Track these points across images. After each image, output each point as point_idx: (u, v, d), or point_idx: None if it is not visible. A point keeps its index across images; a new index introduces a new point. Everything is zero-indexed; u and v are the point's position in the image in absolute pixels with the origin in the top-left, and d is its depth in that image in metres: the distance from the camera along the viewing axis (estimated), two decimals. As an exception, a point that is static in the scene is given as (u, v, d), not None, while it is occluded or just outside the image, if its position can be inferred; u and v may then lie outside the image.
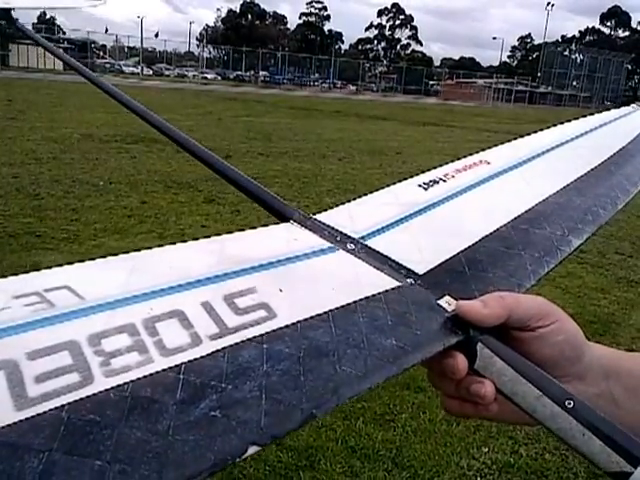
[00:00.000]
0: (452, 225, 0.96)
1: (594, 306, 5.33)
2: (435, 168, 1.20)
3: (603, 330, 4.82)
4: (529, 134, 1.44)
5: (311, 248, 0.81)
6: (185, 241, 0.80)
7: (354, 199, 1.02)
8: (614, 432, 0.57)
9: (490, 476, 2.96)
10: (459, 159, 1.22)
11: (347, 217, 0.93)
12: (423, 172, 1.16)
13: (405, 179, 1.11)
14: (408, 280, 0.77)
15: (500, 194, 1.09)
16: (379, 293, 0.72)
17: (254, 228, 0.87)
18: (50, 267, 0.66)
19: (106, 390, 0.49)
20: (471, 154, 1.26)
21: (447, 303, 0.72)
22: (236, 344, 0.58)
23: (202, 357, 0.55)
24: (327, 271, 0.76)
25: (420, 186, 1.07)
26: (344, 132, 19.35)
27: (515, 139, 1.40)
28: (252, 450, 0.49)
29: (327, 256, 0.80)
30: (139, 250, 0.75)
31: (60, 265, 0.66)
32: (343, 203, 1.00)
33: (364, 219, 0.93)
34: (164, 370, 0.53)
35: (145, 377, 0.51)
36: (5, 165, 9.43)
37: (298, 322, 0.63)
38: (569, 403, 0.60)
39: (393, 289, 0.74)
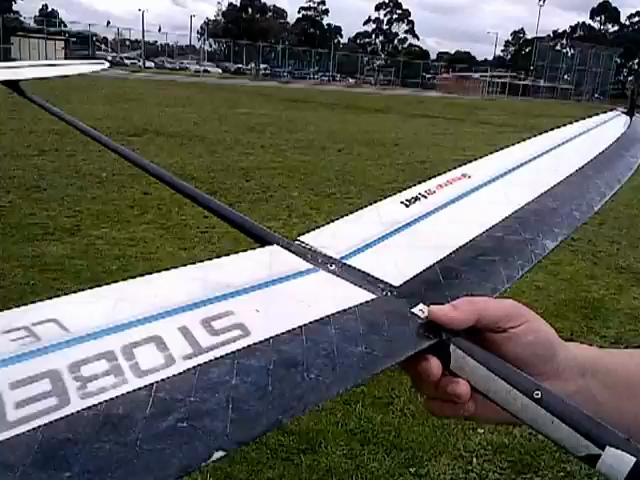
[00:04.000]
0: (430, 239, 0.98)
1: (585, 292, 5.43)
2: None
3: (593, 315, 4.91)
4: (521, 140, 1.50)
5: (293, 270, 0.83)
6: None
7: (349, 217, 1.07)
8: (581, 418, 0.60)
9: (486, 456, 3.04)
10: (449, 171, 1.27)
11: (331, 237, 0.96)
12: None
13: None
14: (384, 292, 0.79)
15: (479, 207, 1.12)
16: (354, 306, 0.74)
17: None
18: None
19: (80, 410, 0.52)
20: (466, 161, 1.31)
21: (420, 310, 0.73)
22: (208, 362, 0.60)
23: (174, 375, 0.58)
24: (305, 290, 0.78)
25: (402, 203, 1.11)
26: (343, 124, 19.37)
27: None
28: (217, 455, 0.51)
29: (308, 277, 0.82)
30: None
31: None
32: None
33: (347, 239, 0.95)
34: (137, 389, 0.55)
35: (118, 397, 0.54)
36: (8, 157, 9.47)
37: (270, 337, 0.65)
38: (537, 394, 0.62)
39: (368, 302, 0.76)
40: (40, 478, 0.46)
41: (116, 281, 0.74)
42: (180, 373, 0.58)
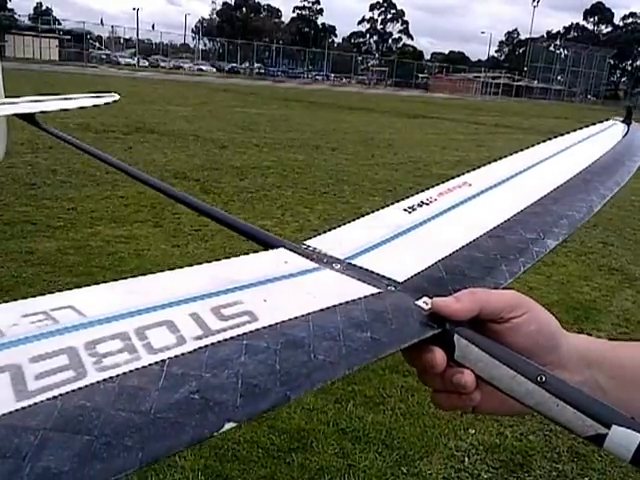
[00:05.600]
0: (433, 240, 1.01)
1: (577, 293, 5.45)
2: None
3: (585, 316, 4.93)
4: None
5: (299, 269, 0.85)
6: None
7: (353, 223, 1.09)
8: (585, 399, 0.62)
9: (477, 456, 3.05)
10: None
11: (336, 240, 0.98)
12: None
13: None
14: (388, 287, 0.81)
15: (480, 211, 1.14)
16: (359, 298, 0.76)
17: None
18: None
19: (97, 382, 0.55)
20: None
21: (424, 303, 0.75)
22: (217, 342, 0.63)
23: (185, 353, 0.60)
24: (312, 285, 0.81)
25: (405, 210, 1.13)
26: (337, 123, 19.41)
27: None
28: (228, 426, 0.54)
29: (314, 274, 0.85)
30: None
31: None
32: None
33: (351, 241, 0.98)
34: (150, 364, 0.58)
35: (132, 371, 0.57)
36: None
37: (278, 323, 0.67)
38: (541, 378, 0.64)
39: (373, 294, 0.78)
40: (60, 440, 0.48)
41: (114, 279, 0.75)
42: (191, 352, 0.61)
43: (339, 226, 1.06)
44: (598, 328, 4.73)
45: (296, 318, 0.69)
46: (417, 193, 1.22)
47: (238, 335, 0.64)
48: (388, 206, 1.16)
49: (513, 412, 0.75)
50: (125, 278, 0.74)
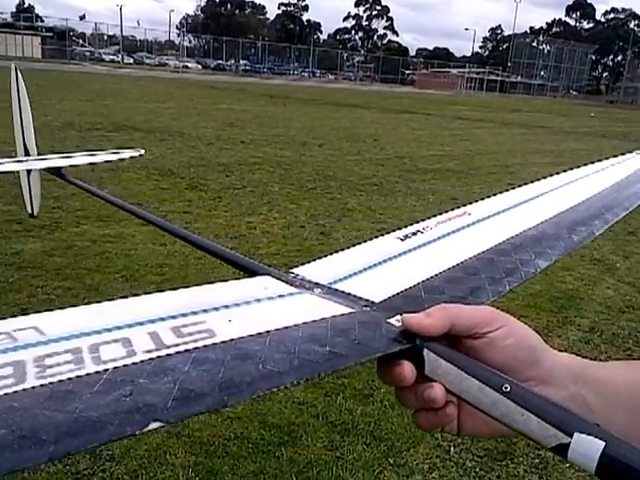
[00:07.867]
0: (419, 264, 1.01)
1: (560, 283, 5.53)
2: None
3: (568, 305, 5.01)
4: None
5: (277, 293, 0.86)
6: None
7: (344, 251, 1.10)
8: (549, 408, 0.61)
9: (463, 445, 3.08)
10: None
11: (324, 269, 0.99)
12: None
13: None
14: (364, 308, 0.81)
15: (475, 238, 1.14)
16: (328, 317, 0.76)
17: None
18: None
19: (31, 387, 0.56)
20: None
21: (397, 321, 0.75)
22: (166, 355, 0.64)
23: (130, 364, 0.61)
24: (284, 307, 0.81)
25: (398, 238, 1.13)
26: (323, 120, 19.45)
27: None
28: (154, 425, 0.55)
29: (291, 298, 0.85)
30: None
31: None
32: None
33: (337, 268, 0.98)
34: (90, 373, 0.59)
35: (71, 378, 0.58)
36: (-15, 153, 9.35)
37: (234, 339, 0.68)
38: (506, 388, 0.63)
39: (344, 314, 0.78)
40: None
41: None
42: (136, 362, 0.62)
43: (332, 253, 1.07)
44: (581, 315, 4.82)
45: (256, 335, 0.70)
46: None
47: (188, 349, 0.65)
48: (382, 235, 1.16)
49: (495, 433, 0.74)
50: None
